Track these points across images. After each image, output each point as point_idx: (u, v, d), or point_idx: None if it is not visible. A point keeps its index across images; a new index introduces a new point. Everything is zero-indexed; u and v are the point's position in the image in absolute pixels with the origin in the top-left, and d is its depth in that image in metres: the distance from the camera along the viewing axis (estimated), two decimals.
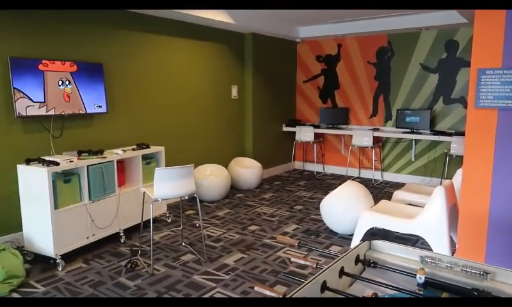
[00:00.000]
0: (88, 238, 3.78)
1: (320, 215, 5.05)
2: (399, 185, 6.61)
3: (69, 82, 4.09)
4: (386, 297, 1.47)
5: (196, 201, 5.60)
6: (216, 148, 6.39)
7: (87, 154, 3.92)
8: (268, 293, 1.38)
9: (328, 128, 7.34)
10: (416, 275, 1.54)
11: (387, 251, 1.75)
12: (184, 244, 4.07)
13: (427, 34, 6.40)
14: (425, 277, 1.52)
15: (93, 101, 4.33)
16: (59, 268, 3.46)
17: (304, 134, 7.32)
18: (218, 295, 3.04)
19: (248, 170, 6.21)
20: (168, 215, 4.83)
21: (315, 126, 7.33)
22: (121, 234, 4.11)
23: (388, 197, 5.76)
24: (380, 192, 6.20)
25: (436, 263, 1.60)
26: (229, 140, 6.65)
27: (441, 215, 3.32)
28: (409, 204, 4.35)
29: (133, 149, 4.38)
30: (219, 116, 6.40)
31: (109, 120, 4.68)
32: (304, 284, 1.34)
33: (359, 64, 7.15)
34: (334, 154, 7.69)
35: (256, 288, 1.43)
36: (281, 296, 1.33)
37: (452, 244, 3.49)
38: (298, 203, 5.65)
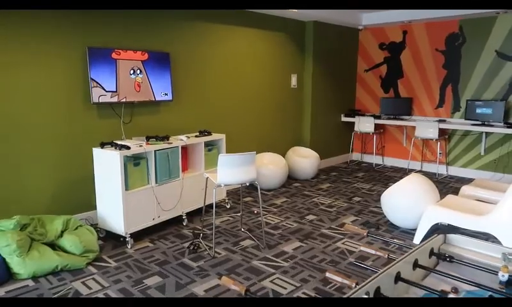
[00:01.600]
0: (153, 219, 3.99)
1: (379, 207, 4.91)
2: (466, 181, 6.24)
3: (140, 71, 4.30)
4: (467, 295, 1.41)
5: (254, 188, 5.70)
6: (274, 136, 6.42)
7: (154, 139, 4.11)
8: (340, 280, 1.38)
9: (389, 119, 7.08)
10: (498, 272, 1.46)
11: (464, 245, 1.67)
12: (243, 229, 4.16)
13: (505, 17, 5.91)
14: (509, 276, 1.43)
15: (160, 89, 4.53)
16: (129, 246, 3.69)
17: (364, 125, 7.12)
18: (277, 281, 3.08)
19: (305, 160, 6.18)
20: (227, 201, 4.95)
21: (376, 117, 7.10)
22: (183, 217, 4.28)
23: (454, 192, 5.46)
24: (445, 187, 5.89)
25: None
26: (287, 129, 6.65)
27: None
28: (479, 200, 4.10)
29: (196, 136, 4.52)
30: (278, 104, 6.41)
31: (174, 107, 4.87)
32: (379, 273, 1.32)
33: (426, 52, 6.79)
34: (395, 146, 7.41)
35: (327, 274, 1.44)
36: (353, 284, 1.32)
37: None
38: (356, 194, 5.53)
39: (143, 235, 3.96)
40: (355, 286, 1.24)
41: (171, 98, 4.66)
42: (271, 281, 3.08)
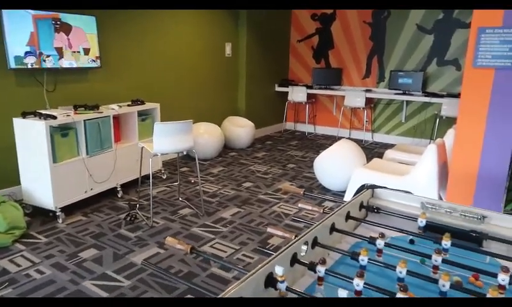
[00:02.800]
0: (86, 192, 3.82)
1: (312, 172, 5.16)
2: (389, 146, 6.74)
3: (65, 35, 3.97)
4: (392, 241, 1.57)
5: (190, 158, 5.65)
6: (210, 106, 6.37)
7: (83, 109, 3.89)
8: (281, 234, 1.46)
9: (320, 89, 7.35)
10: (417, 219, 1.63)
11: (389, 198, 1.84)
12: (181, 198, 4.14)
13: None
14: (426, 221, 1.62)
15: (88, 55, 4.24)
16: (60, 221, 3.51)
17: (297, 95, 7.32)
18: (217, 246, 3.14)
19: (241, 129, 6.24)
20: (163, 171, 4.87)
21: (308, 87, 7.33)
22: (118, 189, 4.15)
23: (379, 156, 5.89)
24: (370, 152, 6.32)
25: (436, 208, 1.69)
26: (222, 98, 6.63)
27: (432, 172, 3.44)
28: (400, 162, 4.48)
29: (128, 106, 4.35)
30: (213, 73, 6.34)
31: (103, 75, 4.60)
32: (315, 225, 1.42)
33: (354, 24, 7.08)
34: (326, 115, 7.75)
35: (269, 230, 1.51)
36: (293, 237, 1.40)
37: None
38: (290, 161, 5.74)
39: (75, 209, 3.78)
40: (294, 238, 1.32)
41: (99, 65, 4.39)
42: (211, 246, 3.14)
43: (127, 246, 3.11)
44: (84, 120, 3.70)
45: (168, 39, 5.43)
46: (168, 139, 3.39)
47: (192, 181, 4.71)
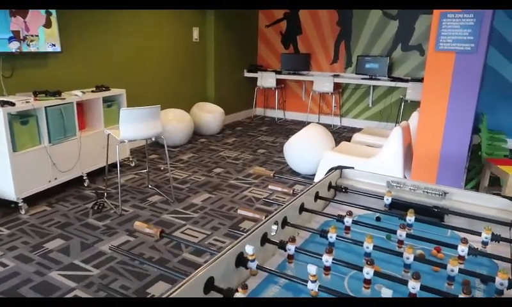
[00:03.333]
0: (50, 181, 3.69)
1: (282, 157, 5.20)
2: (357, 130, 6.87)
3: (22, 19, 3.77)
4: (359, 219, 1.61)
5: (159, 145, 5.56)
6: (178, 92, 6.27)
7: (44, 95, 3.73)
8: (251, 215, 1.46)
9: (289, 74, 7.37)
10: (383, 197, 1.68)
11: (357, 178, 1.88)
12: (150, 186, 4.08)
13: None
14: (392, 199, 1.67)
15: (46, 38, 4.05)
16: (22, 212, 3.38)
17: (266, 80, 7.32)
18: (188, 231, 3.13)
19: (211, 115, 6.19)
20: (131, 159, 4.77)
21: (277, 72, 7.33)
22: (84, 177, 4.04)
23: (347, 141, 6.00)
24: (339, 136, 6.44)
25: (401, 186, 1.74)
26: (191, 85, 6.53)
27: (397, 153, 3.54)
28: (368, 145, 4.58)
29: (92, 92, 4.21)
30: (180, 59, 6.22)
31: (65, 60, 4.42)
32: (285, 205, 1.43)
33: (322, 10, 7.12)
34: (295, 100, 7.80)
35: (239, 211, 1.51)
36: (263, 217, 1.41)
37: None
38: (261, 147, 5.76)
39: (38, 199, 3.65)
40: (265, 219, 1.33)
41: (59, 50, 4.21)
42: (182, 232, 3.12)
43: (95, 235, 3.04)
44: (45, 107, 3.56)
45: (133, 24, 5.27)
46: (134, 125, 3.32)
47: (162, 168, 4.65)
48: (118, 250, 1.27)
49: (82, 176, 4.03)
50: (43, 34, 3.99)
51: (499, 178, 3.71)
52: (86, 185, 4.03)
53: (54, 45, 4.14)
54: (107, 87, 4.38)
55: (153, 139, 3.50)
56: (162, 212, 3.49)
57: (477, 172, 4.53)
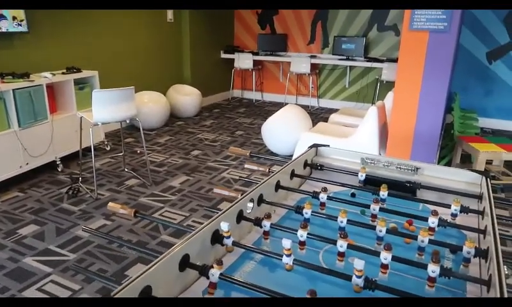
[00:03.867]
0: (21, 167, 3.58)
1: (260, 139, 5.20)
2: (334, 111, 6.92)
3: None
4: (334, 195, 1.63)
5: (135, 129, 5.46)
6: (153, 74, 6.14)
7: (11, 77, 3.58)
8: (227, 193, 1.46)
9: (266, 55, 7.32)
10: (358, 174, 1.71)
11: (332, 155, 1.90)
12: (126, 169, 4.02)
13: None
14: (366, 175, 1.70)
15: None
16: None
17: (243, 61, 7.26)
18: (166, 214, 3.11)
19: (187, 97, 6.11)
20: (106, 143, 4.68)
21: (254, 53, 7.27)
22: (58, 162, 3.94)
23: (324, 121, 6.05)
24: (316, 117, 6.48)
25: (375, 163, 1.77)
26: (166, 66, 6.40)
27: (373, 132, 3.60)
28: (344, 125, 4.63)
29: (63, 74, 4.07)
30: (155, 40, 6.08)
31: (32, 41, 4.24)
32: (261, 182, 1.44)
33: None
34: (272, 82, 7.77)
35: (215, 190, 1.51)
36: (239, 195, 1.41)
37: None
38: (239, 128, 5.74)
39: (10, 185, 3.54)
40: (241, 196, 1.33)
41: (26, 30, 4.04)
42: (160, 214, 3.10)
43: (71, 220, 2.99)
44: (13, 90, 3.42)
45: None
46: (108, 107, 3.24)
47: (138, 151, 4.58)
48: (91, 232, 1.25)
49: (55, 161, 3.93)
50: (8, 13, 3.81)
51: (470, 155, 3.83)
52: (59, 170, 3.93)
53: (20, 25, 3.96)
54: (78, 69, 4.25)
55: (127, 122, 3.43)
56: (140, 195, 3.45)
57: (450, 149, 4.66)
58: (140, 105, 5.25)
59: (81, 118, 3.48)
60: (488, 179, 1.56)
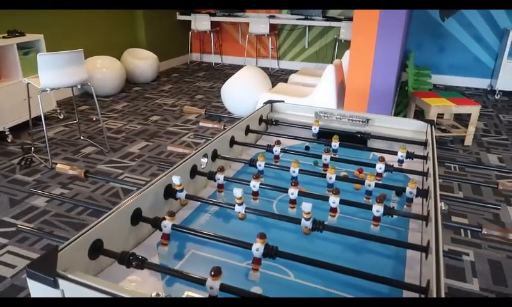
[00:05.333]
0: None
1: (221, 102, 5.15)
2: (294, 72, 6.95)
3: None
4: (289, 148, 1.66)
5: (89, 95, 5.25)
6: (105, 38, 5.85)
7: None
8: (181, 150, 1.46)
9: (224, 16, 7.14)
10: (311, 127, 1.74)
11: (287, 111, 1.92)
12: (82, 137, 3.89)
13: None
14: (319, 128, 1.74)
15: None
16: None
17: (200, 23, 7.05)
18: (126, 179, 3.06)
19: (144, 62, 5.91)
20: (59, 111, 4.48)
21: (211, 15, 7.07)
22: (7, 133, 3.74)
23: (285, 83, 6.06)
24: (277, 79, 6.47)
25: (328, 116, 1.81)
26: (119, 29, 6.11)
27: (331, 90, 3.65)
28: (304, 85, 4.67)
29: (4, 38, 3.80)
30: None
31: None
32: (214, 138, 1.44)
33: None
34: (231, 44, 7.63)
35: (169, 148, 1.49)
36: (192, 151, 1.41)
37: None
38: (198, 92, 5.65)
39: None
40: (195, 150, 1.33)
41: None
42: (123, 180, 3.04)
43: (25, 190, 2.89)
44: None
45: None
46: (55, 72, 3.08)
47: (94, 119, 4.42)
48: (36, 193, 1.22)
49: (4, 132, 3.73)
50: None
51: (423, 110, 3.99)
52: (9, 140, 3.75)
53: None
54: (21, 33, 3.98)
55: (79, 87, 3.29)
56: (97, 162, 3.37)
57: (405, 106, 4.83)
58: (93, 70, 5.02)
59: (28, 84, 3.29)
60: (433, 126, 1.64)
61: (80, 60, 3.21)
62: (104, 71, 5.14)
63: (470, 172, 3.25)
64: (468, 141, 3.83)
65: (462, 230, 2.46)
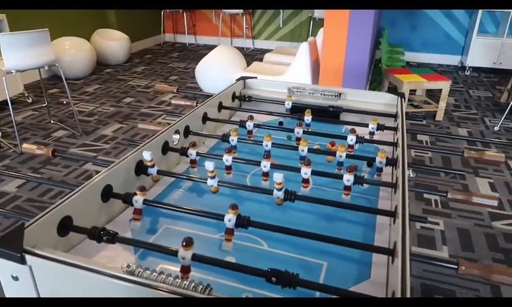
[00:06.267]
0: None
1: (196, 82, 5.08)
2: (269, 52, 6.91)
3: None
4: (265, 123, 1.66)
5: (59, 78, 5.08)
6: (72, 18, 5.64)
7: None
8: (152, 127, 1.44)
9: None
10: (285, 102, 1.75)
11: (260, 87, 1.92)
12: (53, 121, 3.77)
13: None
14: (292, 103, 1.74)
15: None
16: None
17: None
18: (101, 163, 3.01)
19: (115, 42, 5.74)
20: (27, 95, 4.32)
21: None
22: None
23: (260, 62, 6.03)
24: (252, 59, 6.41)
25: (301, 91, 1.82)
26: (86, 10, 5.89)
27: (306, 67, 3.66)
28: (279, 64, 4.65)
29: None
30: None
31: None
32: (186, 114, 1.42)
33: None
34: (205, 24, 7.49)
35: (139, 125, 1.47)
36: (163, 129, 1.39)
37: None
38: (172, 74, 5.55)
39: None
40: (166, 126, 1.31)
41: None
42: (93, 164, 3.00)
43: None
44: None
45: None
46: (20, 52, 2.95)
47: (64, 102, 4.29)
48: (4, 173, 1.18)
49: None
50: None
51: (396, 87, 4.05)
52: None
53: None
54: None
55: (46, 68, 3.17)
56: (70, 146, 3.29)
57: (378, 83, 4.89)
58: (61, 52, 4.85)
59: None
60: (402, 99, 1.67)
61: (46, 40, 3.09)
62: (73, 53, 4.97)
63: (441, 146, 3.34)
64: (439, 116, 3.93)
65: (433, 201, 2.54)
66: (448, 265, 0.86)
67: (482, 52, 5.42)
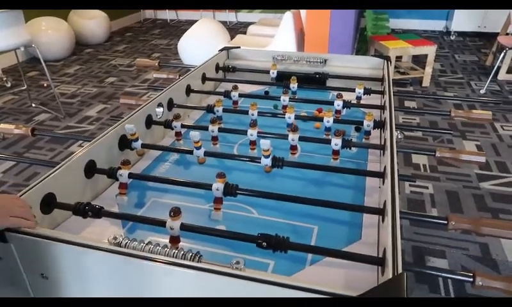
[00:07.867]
0: None
1: (179, 59, 4.98)
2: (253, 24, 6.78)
3: None
4: (251, 92, 1.63)
5: (37, 61, 4.93)
6: None
7: None
8: (134, 102, 1.40)
9: None
10: (269, 71, 1.71)
11: (244, 57, 1.87)
12: (34, 105, 3.67)
13: None
14: (277, 72, 1.71)
15: None
16: None
17: None
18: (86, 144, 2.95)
19: (93, 21, 5.56)
20: (5, 79, 4.19)
21: None
22: None
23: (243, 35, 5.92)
24: (236, 32, 6.29)
25: (285, 59, 1.79)
26: None
27: (290, 38, 3.60)
28: (263, 36, 4.57)
29: None
30: None
31: None
32: (168, 86, 1.39)
33: None
34: None
35: (121, 100, 1.43)
36: (137, 102, 1.36)
37: None
38: (155, 51, 5.43)
39: None
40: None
41: None
42: (80, 146, 2.94)
43: None
44: None
45: None
46: None
47: (45, 84, 4.17)
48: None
49: None
50: None
51: (382, 54, 4.01)
52: None
53: None
54: None
55: (22, 49, 3.06)
56: (53, 128, 3.22)
57: (364, 51, 4.85)
58: (38, 33, 4.67)
59: None
60: (388, 62, 1.65)
61: (19, 20, 2.97)
62: (50, 33, 4.80)
63: (428, 111, 3.35)
64: (426, 82, 3.92)
65: (421, 166, 2.56)
66: (439, 221, 0.86)
67: (466, 16, 5.40)
